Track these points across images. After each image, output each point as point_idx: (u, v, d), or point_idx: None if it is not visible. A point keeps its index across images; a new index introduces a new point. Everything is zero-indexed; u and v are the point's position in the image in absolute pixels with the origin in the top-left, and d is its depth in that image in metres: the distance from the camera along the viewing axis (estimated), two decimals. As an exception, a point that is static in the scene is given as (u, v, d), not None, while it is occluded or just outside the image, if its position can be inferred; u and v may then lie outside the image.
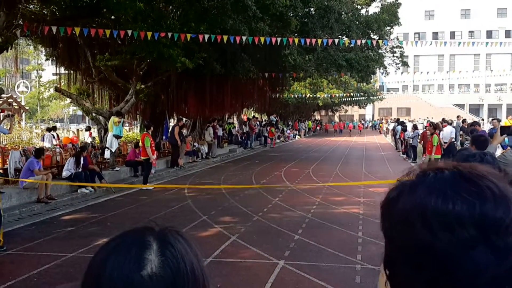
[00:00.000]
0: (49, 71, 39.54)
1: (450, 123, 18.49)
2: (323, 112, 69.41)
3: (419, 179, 0.79)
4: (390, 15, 27.89)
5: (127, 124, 21.71)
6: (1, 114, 10.95)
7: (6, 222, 8.52)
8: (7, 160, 12.25)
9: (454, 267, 0.71)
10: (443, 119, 20.83)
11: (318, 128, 57.09)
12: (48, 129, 20.43)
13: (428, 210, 0.73)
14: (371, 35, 27.20)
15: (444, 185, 0.75)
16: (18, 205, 10.41)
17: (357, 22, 25.97)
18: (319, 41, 17.32)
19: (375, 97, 60.61)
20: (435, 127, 15.07)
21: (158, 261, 0.76)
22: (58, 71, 20.39)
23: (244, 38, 15.45)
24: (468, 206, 0.71)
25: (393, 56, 30.66)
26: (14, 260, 6.82)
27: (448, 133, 16.51)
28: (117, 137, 15.05)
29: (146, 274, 0.75)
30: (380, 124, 52.30)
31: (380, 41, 23.17)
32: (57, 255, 6.83)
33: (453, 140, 15.64)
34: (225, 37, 14.83)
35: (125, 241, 0.80)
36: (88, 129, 23.05)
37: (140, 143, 14.21)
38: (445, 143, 15.93)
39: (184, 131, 20.05)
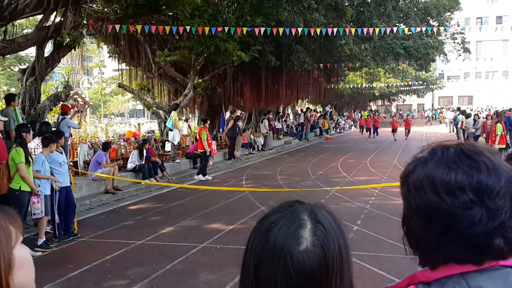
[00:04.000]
0: (110, 67, 41.20)
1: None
2: (379, 102, 67.87)
3: (430, 155, 1.01)
4: (450, 0, 26.84)
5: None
6: (71, 110, 11.63)
7: (78, 211, 9.08)
8: (75, 153, 13.01)
9: (456, 223, 0.92)
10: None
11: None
12: (186, 120, 23.92)
13: (436, 179, 0.95)
14: (430, 22, 26.31)
15: (449, 160, 0.97)
16: (88, 195, 11.06)
17: (415, 9, 25.22)
18: (377, 30, 16.99)
19: (434, 86, 58.53)
20: (498, 116, 14.48)
21: (311, 239, 0.92)
22: (119, 67, 21.27)
23: (299, 30, 15.44)
24: (467, 176, 0.93)
25: (454, 42, 29.48)
26: (88, 246, 7.31)
27: None
28: (170, 129, 15.54)
29: (302, 249, 0.91)
30: (440, 114, 50.23)
31: (441, 28, 22.35)
32: (127, 242, 7.24)
33: None
34: (280, 30, 14.90)
35: (285, 217, 0.96)
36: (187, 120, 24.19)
37: (197, 136, 14.64)
38: None
39: (240, 124, 20.35)
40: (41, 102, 11.14)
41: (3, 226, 0.98)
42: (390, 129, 29.29)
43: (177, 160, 15.59)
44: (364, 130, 33.57)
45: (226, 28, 14.24)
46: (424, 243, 0.98)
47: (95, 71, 46.35)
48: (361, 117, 38.41)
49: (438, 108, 62.32)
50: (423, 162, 1.01)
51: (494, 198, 0.91)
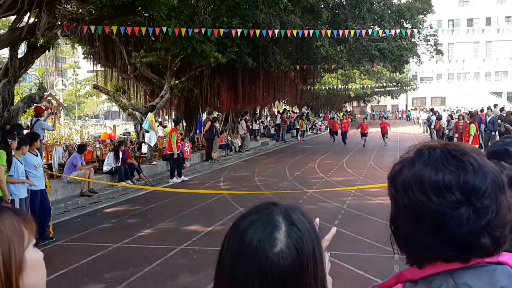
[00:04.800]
0: (85, 68, 40.62)
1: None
2: (355, 103, 68.69)
3: (417, 155, 1.02)
4: (423, 3, 27.44)
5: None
6: (45, 111, 11.43)
7: (53, 214, 8.92)
8: (50, 155, 12.79)
9: (444, 222, 0.94)
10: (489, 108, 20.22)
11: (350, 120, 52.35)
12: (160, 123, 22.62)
13: (424, 179, 0.97)
14: (404, 24, 26.81)
15: (436, 160, 0.98)
16: (63, 198, 10.89)
17: (389, 11, 25.68)
18: (352, 32, 17.21)
19: (408, 87, 59.59)
20: (472, 117, 14.79)
21: (286, 241, 0.94)
22: (94, 69, 20.98)
23: (276, 31, 15.53)
24: (454, 176, 0.95)
25: (427, 44, 30.09)
26: (64, 250, 7.19)
27: None
28: (146, 131, 15.43)
29: (277, 251, 0.93)
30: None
31: (415, 30, 22.79)
32: (103, 246, 7.16)
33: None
34: (257, 31, 14.94)
35: (260, 220, 0.97)
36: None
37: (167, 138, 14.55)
38: None
39: (217, 125, 20.31)
40: (14, 104, 10.92)
41: (16, 227, 0.99)
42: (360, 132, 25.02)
43: (154, 162, 15.47)
44: (334, 134, 29.13)
45: (203, 30, 14.21)
46: (412, 242, 0.99)
47: (69, 72, 45.68)
48: (331, 119, 35.86)
49: (411, 109, 63.41)
50: (410, 162, 1.02)
51: (481, 197, 0.93)
